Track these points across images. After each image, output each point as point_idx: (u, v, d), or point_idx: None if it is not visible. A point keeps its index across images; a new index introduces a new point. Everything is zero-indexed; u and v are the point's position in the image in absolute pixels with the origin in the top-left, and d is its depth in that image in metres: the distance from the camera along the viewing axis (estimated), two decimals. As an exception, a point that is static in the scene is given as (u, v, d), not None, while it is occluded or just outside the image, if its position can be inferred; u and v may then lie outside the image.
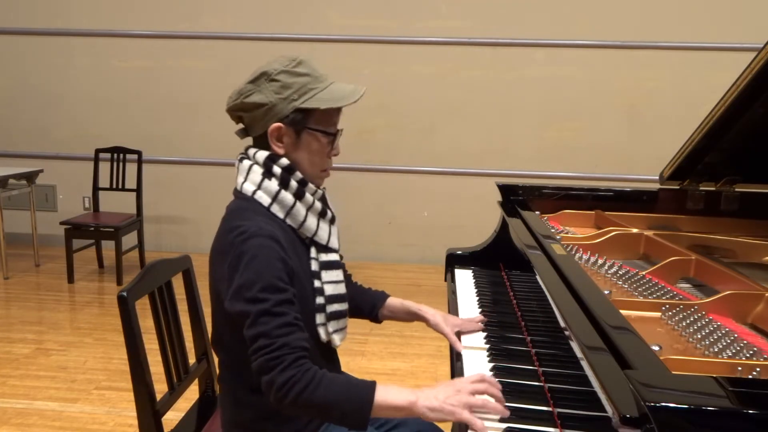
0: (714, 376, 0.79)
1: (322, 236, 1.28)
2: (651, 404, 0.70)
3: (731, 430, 0.71)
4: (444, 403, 1.04)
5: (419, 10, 4.65)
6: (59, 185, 5.13)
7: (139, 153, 4.43)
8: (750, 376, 0.94)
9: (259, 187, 1.21)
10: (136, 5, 4.83)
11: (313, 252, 1.27)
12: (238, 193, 1.25)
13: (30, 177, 4.44)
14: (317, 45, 4.74)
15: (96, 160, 4.49)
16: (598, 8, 4.51)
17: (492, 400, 1.08)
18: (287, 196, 1.21)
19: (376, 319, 1.52)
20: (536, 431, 1.04)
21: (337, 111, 1.24)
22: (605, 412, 0.86)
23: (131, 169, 4.45)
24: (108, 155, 4.45)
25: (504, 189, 2.16)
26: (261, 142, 1.24)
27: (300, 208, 1.23)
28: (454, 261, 2.05)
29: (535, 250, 1.51)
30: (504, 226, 1.99)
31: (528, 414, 1.10)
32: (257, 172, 1.22)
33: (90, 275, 4.46)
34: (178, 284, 1.55)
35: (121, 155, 4.46)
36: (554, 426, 1.06)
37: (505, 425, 1.06)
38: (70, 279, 4.23)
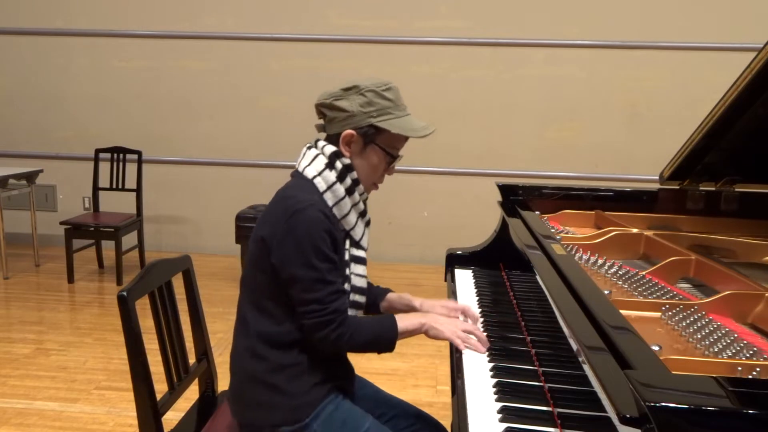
0: (714, 376, 0.79)
1: (358, 232, 1.45)
2: (651, 404, 0.70)
3: (731, 430, 0.71)
4: (442, 326, 1.40)
5: (419, 10, 4.65)
6: (59, 185, 5.13)
7: (139, 153, 4.43)
8: (750, 376, 0.94)
9: (319, 174, 1.38)
10: (136, 5, 4.84)
11: (346, 244, 1.42)
12: (299, 174, 1.41)
13: (30, 177, 4.44)
14: (317, 45, 4.74)
15: (96, 160, 4.49)
16: (598, 8, 4.51)
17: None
18: (340, 189, 1.38)
19: (378, 312, 1.63)
20: (536, 431, 1.04)
21: (404, 139, 1.42)
22: (605, 412, 0.86)
23: (131, 169, 4.45)
24: (108, 155, 4.45)
25: (504, 189, 2.16)
26: (333, 140, 1.41)
27: (347, 202, 1.40)
28: (454, 261, 2.05)
29: (535, 250, 1.51)
30: (504, 226, 1.99)
31: (528, 414, 1.10)
32: (321, 161, 1.39)
33: (90, 275, 4.46)
34: (178, 284, 1.55)
35: (121, 155, 4.46)
36: (554, 426, 1.06)
37: (505, 425, 1.06)
38: (70, 279, 4.23)
